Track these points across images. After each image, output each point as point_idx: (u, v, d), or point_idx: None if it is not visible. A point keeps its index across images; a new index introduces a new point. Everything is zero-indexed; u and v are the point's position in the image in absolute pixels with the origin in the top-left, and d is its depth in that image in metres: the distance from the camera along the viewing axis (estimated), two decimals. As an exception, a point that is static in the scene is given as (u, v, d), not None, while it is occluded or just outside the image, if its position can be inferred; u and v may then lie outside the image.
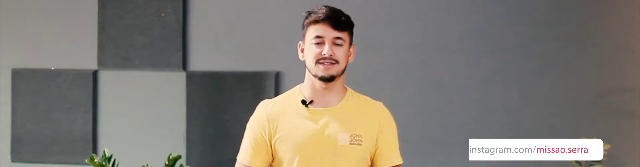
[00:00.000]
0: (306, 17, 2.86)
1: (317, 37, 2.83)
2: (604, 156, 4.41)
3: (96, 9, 5.28)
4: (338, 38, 2.83)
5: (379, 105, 2.91)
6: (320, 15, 2.82)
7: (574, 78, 4.68)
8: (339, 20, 2.83)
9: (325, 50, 2.82)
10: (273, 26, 5.02)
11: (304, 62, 2.88)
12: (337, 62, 2.83)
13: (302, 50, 2.89)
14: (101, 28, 5.28)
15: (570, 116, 4.67)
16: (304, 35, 2.88)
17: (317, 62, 2.83)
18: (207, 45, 5.13)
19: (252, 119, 2.93)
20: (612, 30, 4.65)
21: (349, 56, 2.88)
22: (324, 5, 2.87)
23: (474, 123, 4.76)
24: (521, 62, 4.72)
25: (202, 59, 5.14)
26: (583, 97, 4.66)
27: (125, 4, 5.23)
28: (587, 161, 4.40)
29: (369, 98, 2.92)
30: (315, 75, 2.85)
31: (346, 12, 2.88)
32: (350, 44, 2.89)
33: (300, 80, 3.02)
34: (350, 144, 2.83)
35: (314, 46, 2.84)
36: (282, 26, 4.99)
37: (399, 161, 2.90)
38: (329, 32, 2.82)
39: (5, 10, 5.44)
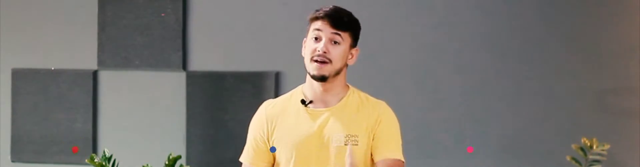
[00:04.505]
0: (311, 14, 2.85)
1: (316, 29, 2.81)
2: (604, 156, 4.41)
3: (96, 9, 5.28)
4: (336, 34, 2.80)
5: (381, 104, 2.88)
6: (321, 12, 2.81)
7: (574, 78, 4.67)
8: (339, 20, 2.80)
9: (320, 46, 2.79)
10: (273, 26, 5.02)
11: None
12: (330, 61, 2.80)
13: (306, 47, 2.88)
14: (101, 28, 5.28)
15: (570, 116, 4.67)
16: (307, 32, 2.87)
17: (312, 59, 2.81)
18: (207, 45, 5.13)
19: (253, 119, 2.94)
20: (612, 30, 4.65)
21: (350, 58, 2.86)
22: (333, 5, 2.86)
23: (474, 123, 4.75)
24: (521, 62, 4.72)
25: (202, 59, 5.14)
26: (583, 97, 4.66)
27: (125, 4, 5.23)
28: (587, 161, 4.40)
29: (370, 97, 2.90)
30: (308, 73, 2.83)
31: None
32: (353, 46, 2.86)
33: (300, 80, 3.01)
34: (346, 144, 2.81)
35: (312, 41, 2.82)
36: (282, 26, 4.99)
37: (396, 156, 2.82)
38: (327, 28, 2.81)
39: (5, 10, 5.44)
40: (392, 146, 2.81)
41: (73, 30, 5.34)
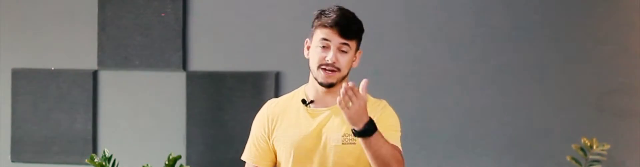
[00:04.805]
0: (317, 17, 2.82)
1: (324, 39, 2.80)
2: (604, 156, 4.41)
3: (96, 9, 5.28)
4: (344, 44, 2.80)
5: (381, 103, 2.89)
6: (329, 21, 2.78)
7: (574, 78, 4.67)
8: (348, 28, 2.79)
9: (330, 56, 2.79)
10: (273, 26, 5.02)
11: (308, 61, 2.86)
12: (338, 70, 2.81)
13: (309, 48, 2.87)
14: (101, 28, 5.28)
15: (570, 116, 4.67)
16: (312, 34, 2.85)
17: (319, 67, 2.81)
18: (207, 45, 5.13)
19: (255, 118, 2.95)
20: (612, 30, 4.65)
21: (353, 61, 2.86)
22: (338, 7, 2.82)
23: (474, 124, 4.75)
24: (521, 62, 4.72)
25: (202, 59, 5.14)
26: (583, 97, 4.66)
27: (125, 4, 5.23)
28: (587, 161, 4.40)
29: (372, 97, 2.90)
30: (315, 79, 2.84)
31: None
32: (357, 49, 2.87)
33: (300, 80, 3.02)
34: (343, 143, 2.82)
35: (319, 49, 2.81)
36: (282, 26, 4.99)
37: (395, 143, 2.77)
38: (335, 38, 2.80)
39: (5, 10, 5.44)
40: (391, 134, 2.80)
41: (73, 30, 5.34)
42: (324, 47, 2.80)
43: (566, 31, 4.68)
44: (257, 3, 5.05)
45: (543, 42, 4.70)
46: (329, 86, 2.83)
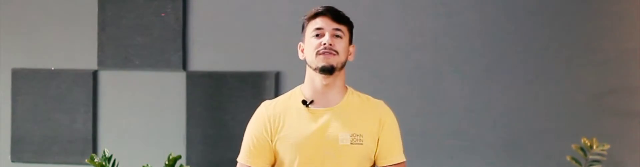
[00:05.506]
0: (305, 16, 2.89)
1: (317, 29, 2.85)
2: (604, 156, 4.42)
3: (96, 9, 5.28)
4: (337, 30, 2.85)
5: (380, 103, 2.91)
6: (320, 9, 2.86)
7: (574, 78, 4.68)
8: (338, 14, 2.86)
9: (325, 39, 2.83)
10: (273, 26, 5.02)
11: (304, 62, 2.88)
12: (337, 53, 2.83)
13: (303, 51, 2.89)
14: (101, 28, 5.28)
15: (570, 116, 4.67)
16: (303, 35, 2.89)
17: (317, 53, 2.83)
18: (207, 45, 5.13)
19: (252, 119, 2.94)
20: (613, 30, 4.65)
21: (349, 54, 2.89)
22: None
23: (474, 123, 4.76)
24: (521, 62, 4.72)
25: (202, 59, 5.14)
26: (583, 97, 4.66)
27: (125, 4, 5.23)
28: (587, 161, 4.40)
29: (370, 97, 2.93)
30: (315, 69, 2.84)
31: (344, 11, 2.90)
32: (350, 42, 2.90)
33: (300, 80, 3.02)
34: (351, 143, 2.83)
35: (314, 39, 2.86)
36: (282, 26, 5.00)
37: (400, 159, 2.89)
38: (328, 24, 2.85)
39: (5, 10, 5.44)
40: (395, 150, 2.88)
41: (73, 30, 5.34)
42: (317, 35, 2.84)
43: (566, 31, 4.69)
44: (257, 3, 5.06)
45: (543, 42, 4.70)
46: (330, 70, 2.83)
